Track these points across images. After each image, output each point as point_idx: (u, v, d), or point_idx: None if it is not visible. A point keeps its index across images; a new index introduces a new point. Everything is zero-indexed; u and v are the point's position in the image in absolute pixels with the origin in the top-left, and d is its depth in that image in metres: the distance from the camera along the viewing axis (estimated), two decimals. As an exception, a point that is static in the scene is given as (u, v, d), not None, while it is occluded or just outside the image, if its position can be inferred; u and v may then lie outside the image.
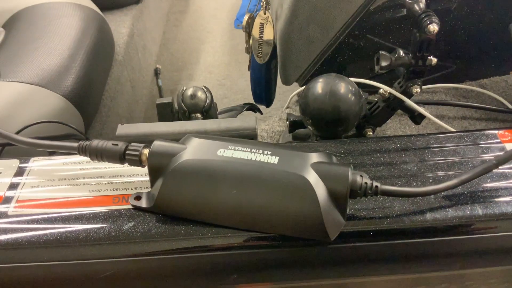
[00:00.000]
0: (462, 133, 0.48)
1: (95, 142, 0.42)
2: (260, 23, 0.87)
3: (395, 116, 0.79)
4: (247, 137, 0.51)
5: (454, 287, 0.44)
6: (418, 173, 0.43)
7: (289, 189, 0.37)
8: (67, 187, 0.43)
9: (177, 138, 0.42)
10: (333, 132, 0.57)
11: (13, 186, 0.43)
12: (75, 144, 0.43)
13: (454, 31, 0.82)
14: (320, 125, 0.57)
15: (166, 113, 0.61)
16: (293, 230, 0.38)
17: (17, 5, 1.01)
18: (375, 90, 0.62)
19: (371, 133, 0.65)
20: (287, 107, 0.84)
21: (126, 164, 0.42)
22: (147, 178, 0.41)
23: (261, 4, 0.87)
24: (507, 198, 0.41)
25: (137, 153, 0.41)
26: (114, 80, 1.07)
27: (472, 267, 0.42)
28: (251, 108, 0.77)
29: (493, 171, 0.40)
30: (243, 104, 0.76)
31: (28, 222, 0.40)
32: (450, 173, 0.43)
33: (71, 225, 0.40)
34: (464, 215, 0.39)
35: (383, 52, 0.54)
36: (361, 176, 0.38)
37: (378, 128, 0.67)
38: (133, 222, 0.40)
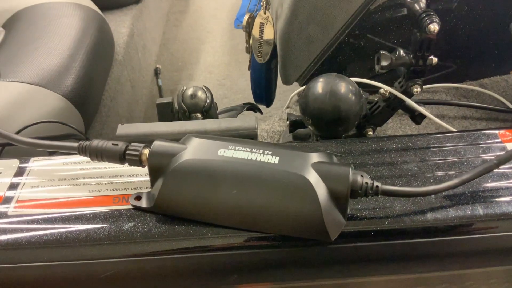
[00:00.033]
0: (463, 133, 0.48)
1: (95, 142, 0.42)
2: (260, 22, 0.87)
3: (396, 115, 0.78)
4: (248, 137, 0.51)
5: (454, 287, 0.44)
6: (419, 173, 0.43)
7: (289, 189, 0.37)
8: (67, 187, 0.43)
9: (177, 138, 0.42)
10: (333, 132, 0.57)
11: (13, 186, 0.43)
12: (75, 144, 0.43)
13: (454, 31, 0.82)
14: (320, 125, 0.57)
15: (166, 113, 0.61)
16: (293, 230, 0.38)
17: (17, 5, 1.01)
18: (375, 89, 0.62)
19: (371, 133, 0.65)
20: (288, 107, 0.84)
21: (126, 164, 0.42)
22: (147, 178, 0.41)
23: (261, 3, 0.87)
24: (508, 198, 0.41)
25: (137, 153, 0.41)
26: (114, 80, 1.07)
27: (473, 267, 0.42)
28: (251, 108, 0.77)
29: (494, 171, 0.40)
30: (243, 104, 0.76)
31: (28, 222, 0.40)
32: (451, 173, 0.43)
33: (71, 225, 0.40)
34: (465, 215, 0.39)
35: (383, 52, 0.54)
36: (361, 176, 0.38)
37: (378, 128, 0.66)
38: (133, 222, 0.40)
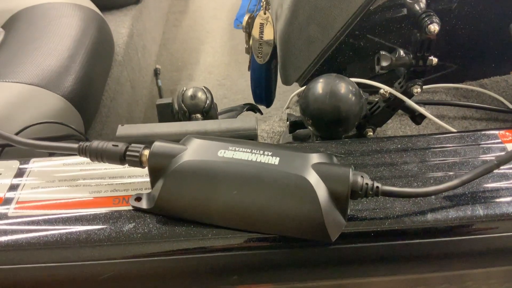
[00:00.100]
0: (463, 133, 0.48)
1: (95, 143, 0.42)
2: (260, 23, 0.87)
3: (396, 116, 0.79)
4: (248, 137, 0.51)
5: (455, 288, 0.44)
6: (419, 173, 0.43)
7: (290, 190, 0.37)
8: (67, 188, 0.43)
9: (177, 138, 0.42)
10: (333, 132, 0.57)
11: (13, 187, 0.43)
12: (75, 145, 0.43)
13: (454, 31, 0.82)
14: (320, 126, 0.57)
15: (166, 113, 0.61)
16: (294, 231, 0.38)
17: (16, 6, 1.01)
18: (375, 90, 0.62)
19: (371, 133, 0.65)
20: (287, 108, 0.84)
21: (127, 165, 0.42)
22: (148, 179, 0.41)
23: (261, 4, 0.87)
24: (508, 199, 0.41)
25: (137, 154, 0.41)
26: (113, 81, 1.07)
27: (473, 267, 0.42)
28: (251, 108, 0.77)
29: (494, 171, 0.40)
30: (243, 104, 0.76)
31: (28, 223, 0.40)
32: (451, 173, 0.43)
33: (72, 227, 0.40)
34: (465, 216, 0.39)
35: (383, 52, 0.54)
36: (362, 176, 0.38)
37: (378, 129, 0.66)
38: (134, 223, 0.40)
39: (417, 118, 0.63)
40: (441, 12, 0.79)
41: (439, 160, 0.45)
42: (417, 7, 0.52)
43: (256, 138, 0.52)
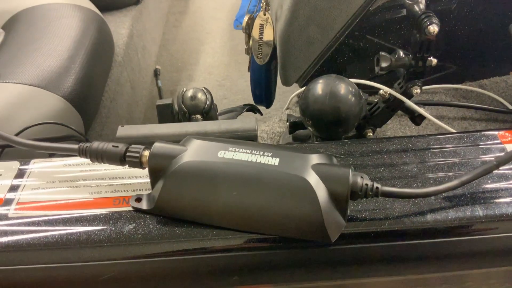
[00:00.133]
0: (462, 134, 0.48)
1: (96, 144, 0.42)
2: (260, 24, 0.87)
3: (395, 117, 0.79)
4: (247, 138, 0.51)
5: (454, 288, 0.44)
6: (419, 174, 0.43)
7: (289, 191, 0.37)
8: (67, 189, 0.43)
9: (177, 139, 0.42)
10: (333, 133, 0.57)
11: (13, 188, 0.43)
12: (76, 146, 0.43)
13: (454, 32, 0.82)
14: (320, 126, 0.57)
15: (166, 114, 0.61)
16: (294, 231, 0.38)
17: (16, 6, 1.01)
18: (375, 91, 0.62)
19: (371, 134, 0.65)
20: (287, 108, 0.84)
21: (127, 166, 0.42)
22: (148, 180, 0.41)
23: (261, 5, 0.87)
24: (508, 199, 0.41)
25: (137, 154, 0.41)
26: (113, 81, 1.07)
27: (473, 268, 0.42)
28: (251, 109, 0.77)
29: (494, 172, 0.40)
30: (243, 105, 0.76)
31: (28, 224, 0.40)
32: (451, 174, 0.43)
33: (72, 227, 0.40)
34: (465, 216, 0.40)
35: (383, 53, 0.54)
36: (361, 177, 0.38)
37: (378, 129, 0.67)
38: (134, 224, 0.40)
39: (417, 118, 0.63)
40: (441, 13, 0.79)
41: (438, 161, 0.45)
42: (416, 8, 0.52)
43: (256, 139, 0.52)
